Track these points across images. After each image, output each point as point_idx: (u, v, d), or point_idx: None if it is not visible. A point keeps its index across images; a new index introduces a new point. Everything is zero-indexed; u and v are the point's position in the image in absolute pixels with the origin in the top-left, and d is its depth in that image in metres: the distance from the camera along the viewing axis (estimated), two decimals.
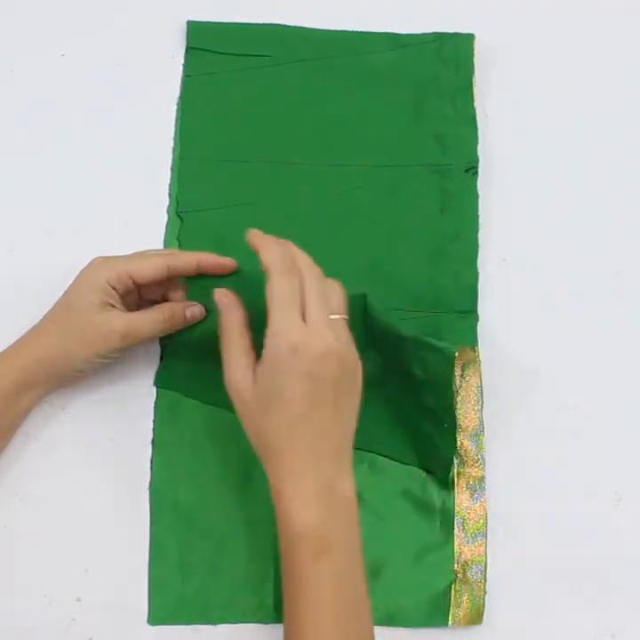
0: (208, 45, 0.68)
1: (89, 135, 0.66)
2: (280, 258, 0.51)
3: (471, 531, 0.59)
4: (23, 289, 0.63)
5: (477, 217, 0.65)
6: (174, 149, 0.66)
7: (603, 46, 0.70)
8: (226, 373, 0.52)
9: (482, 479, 0.60)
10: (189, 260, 0.56)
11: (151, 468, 0.59)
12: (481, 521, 0.59)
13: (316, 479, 0.50)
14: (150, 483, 0.59)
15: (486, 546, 0.59)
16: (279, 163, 0.66)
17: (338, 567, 0.50)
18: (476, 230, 0.65)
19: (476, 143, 0.66)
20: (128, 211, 0.65)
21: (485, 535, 0.59)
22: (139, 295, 0.58)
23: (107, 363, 0.57)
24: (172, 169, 0.66)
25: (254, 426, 0.51)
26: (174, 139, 0.66)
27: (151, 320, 0.56)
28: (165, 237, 0.64)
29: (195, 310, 0.57)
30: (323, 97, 0.67)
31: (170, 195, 0.65)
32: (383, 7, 0.70)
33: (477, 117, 0.67)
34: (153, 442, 0.60)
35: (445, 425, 0.58)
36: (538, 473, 0.61)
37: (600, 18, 0.71)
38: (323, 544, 0.49)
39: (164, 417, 0.60)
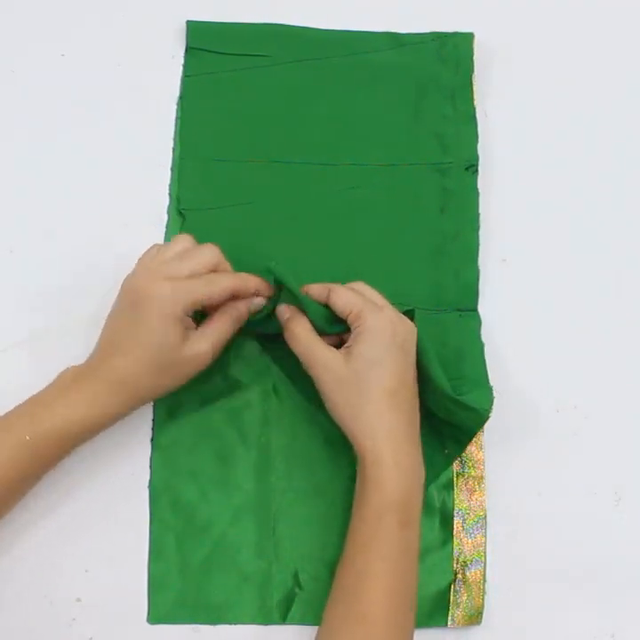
0: (208, 45, 0.68)
1: (89, 135, 0.66)
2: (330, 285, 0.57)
3: (470, 530, 0.59)
4: (23, 289, 0.63)
5: (478, 215, 0.65)
6: (174, 149, 0.66)
7: (603, 45, 0.70)
8: (312, 355, 0.55)
9: (481, 479, 0.60)
10: (254, 284, 0.57)
11: (150, 467, 0.59)
12: (480, 522, 0.59)
13: (409, 450, 0.53)
14: (149, 482, 0.59)
15: (485, 546, 0.59)
16: (279, 162, 0.66)
17: (413, 539, 0.53)
18: (477, 228, 0.65)
19: (476, 141, 0.66)
20: (128, 211, 0.65)
21: (485, 535, 0.59)
22: None
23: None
24: (172, 169, 0.66)
25: (349, 397, 0.53)
26: (174, 138, 0.66)
27: (227, 326, 0.56)
28: (166, 237, 0.64)
29: (257, 301, 0.57)
30: (322, 96, 0.67)
31: (170, 194, 0.65)
32: (383, 6, 0.70)
33: (477, 117, 0.67)
34: (152, 441, 0.60)
35: (446, 450, 0.59)
36: (538, 473, 0.61)
37: (600, 17, 0.71)
38: (408, 515, 0.53)
39: (163, 417, 0.60)
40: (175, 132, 0.66)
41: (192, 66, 0.68)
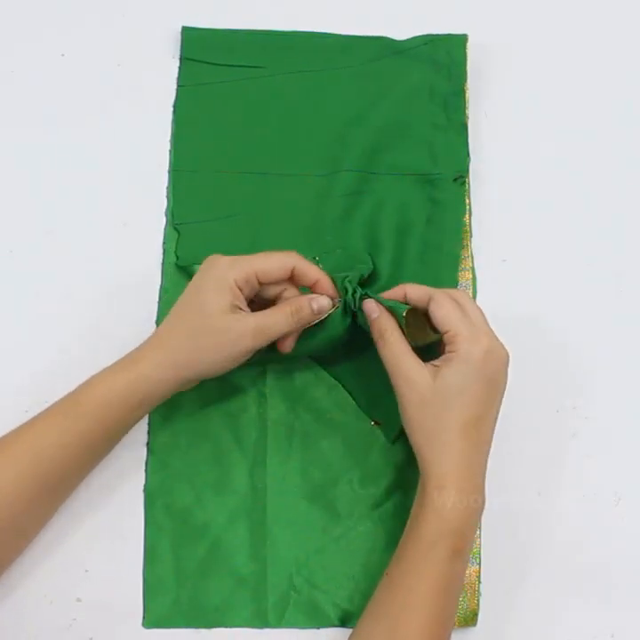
0: (202, 56, 0.68)
1: (89, 135, 0.66)
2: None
3: None
4: (23, 289, 0.63)
5: (463, 225, 0.64)
6: (170, 160, 0.66)
7: (602, 45, 0.70)
8: (399, 365, 0.53)
9: None
10: (311, 270, 0.56)
11: (146, 470, 0.59)
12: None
13: (474, 480, 0.53)
14: (145, 485, 0.59)
15: (480, 543, 0.59)
16: (273, 174, 0.66)
17: (461, 570, 0.53)
18: (460, 239, 0.64)
19: (466, 152, 0.66)
20: (128, 210, 0.65)
21: (480, 537, 0.59)
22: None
23: (230, 368, 0.55)
24: (169, 171, 0.66)
25: (426, 418, 0.53)
26: (170, 149, 0.66)
27: (280, 317, 0.54)
28: (165, 238, 0.64)
29: (322, 302, 0.55)
30: (316, 107, 0.67)
31: (167, 196, 0.65)
32: (379, 6, 0.70)
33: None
34: (147, 445, 0.60)
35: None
36: (538, 473, 0.61)
37: (599, 16, 0.71)
38: (461, 544, 0.52)
39: (158, 420, 0.60)
40: (170, 143, 0.66)
41: (186, 76, 0.68)
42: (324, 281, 0.56)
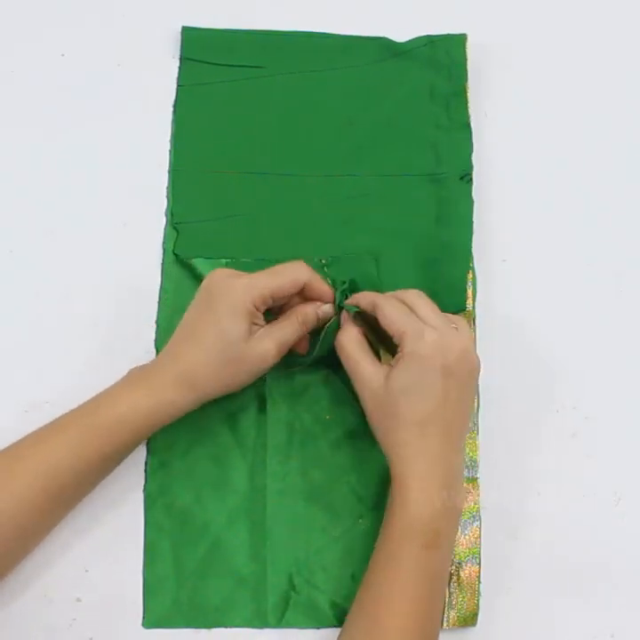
0: (202, 56, 0.68)
1: (89, 135, 0.66)
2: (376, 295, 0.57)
3: (464, 527, 0.59)
4: (23, 289, 0.63)
5: (472, 223, 0.64)
6: (170, 159, 0.66)
7: (602, 44, 0.70)
8: (353, 368, 0.55)
9: (475, 480, 0.60)
10: (321, 287, 0.57)
11: (145, 470, 0.59)
12: (474, 515, 0.59)
13: (440, 475, 0.53)
14: (144, 485, 0.59)
15: (481, 541, 0.59)
16: (274, 174, 0.66)
17: (438, 561, 0.53)
18: (471, 237, 0.64)
19: (471, 150, 0.66)
20: (128, 210, 0.65)
21: (480, 528, 0.59)
22: None
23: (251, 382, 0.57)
24: (169, 171, 0.66)
25: (383, 418, 0.54)
26: (170, 149, 0.66)
27: (293, 327, 0.56)
28: (165, 238, 0.64)
29: (326, 309, 0.57)
30: (316, 108, 0.67)
31: (167, 196, 0.65)
32: (380, 6, 0.70)
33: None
34: (147, 445, 0.60)
35: None
36: (538, 473, 0.61)
37: (600, 16, 0.71)
38: (433, 537, 0.52)
39: None
40: (170, 142, 0.66)
41: (186, 76, 0.68)
42: (329, 295, 0.58)
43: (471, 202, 0.65)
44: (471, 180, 0.65)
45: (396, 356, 0.54)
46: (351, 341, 0.56)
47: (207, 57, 0.68)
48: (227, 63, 0.68)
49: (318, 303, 0.57)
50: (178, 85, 0.68)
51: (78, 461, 0.53)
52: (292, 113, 0.67)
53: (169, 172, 0.66)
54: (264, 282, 0.55)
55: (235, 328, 0.54)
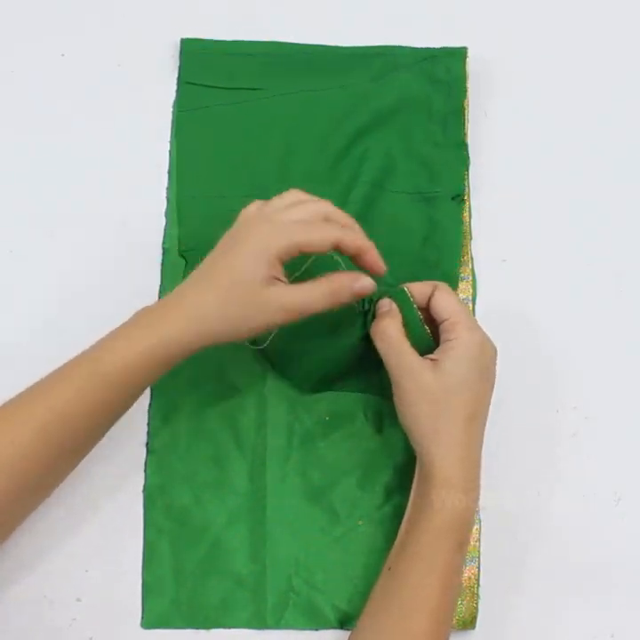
0: (201, 79, 0.67)
1: (89, 135, 0.66)
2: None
3: None
4: (23, 289, 0.63)
5: (460, 245, 0.64)
6: (171, 185, 0.65)
7: (601, 51, 0.70)
8: (398, 359, 0.53)
9: None
10: (355, 243, 0.52)
11: (145, 471, 0.60)
12: (475, 524, 0.59)
13: (473, 475, 0.54)
14: (144, 486, 0.59)
15: (480, 548, 0.59)
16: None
17: (462, 564, 0.54)
18: (458, 258, 0.63)
19: (465, 171, 0.65)
20: (128, 210, 0.65)
21: (479, 539, 0.59)
22: None
23: (253, 337, 0.53)
24: (169, 172, 0.66)
25: (430, 411, 0.52)
26: (170, 174, 0.66)
27: (317, 294, 0.52)
28: (165, 238, 0.64)
29: (365, 283, 0.52)
30: (317, 128, 0.66)
31: (167, 198, 0.65)
32: (381, 17, 0.70)
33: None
34: (147, 445, 0.60)
35: None
36: (538, 473, 0.61)
37: (599, 25, 0.71)
38: (463, 537, 0.53)
39: (158, 421, 0.60)
40: (170, 166, 0.66)
41: (185, 100, 0.67)
42: (372, 253, 0.53)
43: (461, 223, 0.64)
44: (463, 201, 0.65)
45: (445, 345, 0.53)
46: (396, 329, 0.54)
47: (206, 80, 0.67)
48: (226, 86, 0.67)
49: (356, 274, 0.53)
50: (178, 111, 0.67)
51: (83, 408, 0.50)
52: (292, 133, 0.66)
53: (169, 172, 0.65)
54: (293, 231, 0.51)
55: (250, 270, 0.50)
